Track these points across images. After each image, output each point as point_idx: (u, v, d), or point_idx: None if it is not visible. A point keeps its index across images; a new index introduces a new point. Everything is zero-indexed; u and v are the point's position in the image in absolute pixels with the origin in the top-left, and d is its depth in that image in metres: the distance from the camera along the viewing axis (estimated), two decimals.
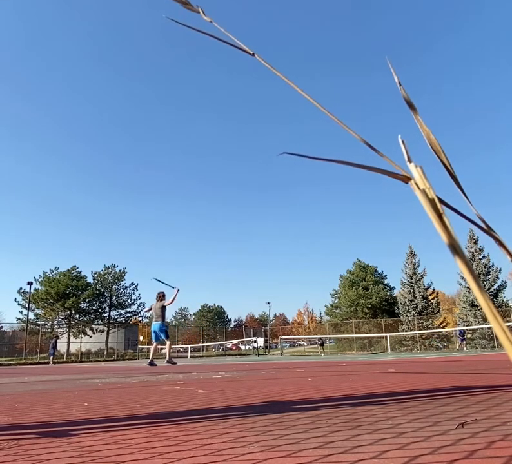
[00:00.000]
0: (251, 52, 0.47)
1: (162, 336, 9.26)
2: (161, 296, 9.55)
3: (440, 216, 0.34)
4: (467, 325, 29.57)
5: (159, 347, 9.39)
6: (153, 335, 9.40)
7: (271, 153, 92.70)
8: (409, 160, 0.38)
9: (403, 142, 0.39)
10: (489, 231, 0.39)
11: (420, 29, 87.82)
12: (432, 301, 34.57)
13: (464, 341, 26.31)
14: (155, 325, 9.37)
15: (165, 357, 9.68)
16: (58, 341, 26.83)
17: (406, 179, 0.37)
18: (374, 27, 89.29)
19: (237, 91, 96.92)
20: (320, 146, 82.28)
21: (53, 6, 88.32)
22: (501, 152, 78.19)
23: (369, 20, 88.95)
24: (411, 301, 33.98)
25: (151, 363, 9.50)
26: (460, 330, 27.03)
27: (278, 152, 0.43)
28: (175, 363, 9.89)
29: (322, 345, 31.98)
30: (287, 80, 0.46)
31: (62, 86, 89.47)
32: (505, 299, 31.68)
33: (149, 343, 44.35)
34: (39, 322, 38.74)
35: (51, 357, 24.53)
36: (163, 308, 9.39)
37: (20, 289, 38.60)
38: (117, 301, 42.45)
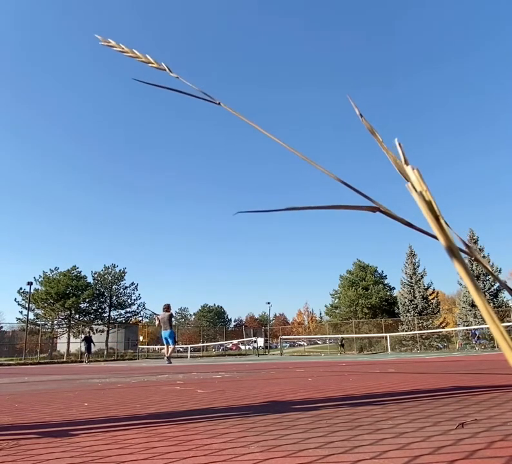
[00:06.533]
0: (217, 102, 0.47)
1: (171, 342, 11.40)
2: (166, 308, 11.56)
3: (436, 218, 0.34)
4: (467, 325, 29.54)
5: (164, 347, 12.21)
6: (164, 340, 11.52)
7: (271, 154, 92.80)
8: (406, 163, 0.38)
9: (400, 144, 0.39)
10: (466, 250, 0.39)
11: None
12: (432, 301, 34.57)
13: (478, 341, 25.82)
14: (165, 333, 11.39)
15: (164, 357, 12.01)
16: (58, 341, 26.09)
17: (374, 209, 0.38)
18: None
19: (240, 96, 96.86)
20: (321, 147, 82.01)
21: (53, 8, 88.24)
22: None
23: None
24: (411, 301, 33.97)
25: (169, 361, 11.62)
26: (472, 331, 26.29)
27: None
28: (170, 363, 11.80)
29: (342, 345, 32.31)
30: (255, 126, 0.46)
31: (61, 86, 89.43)
32: (505, 300, 31.69)
33: (149, 343, 44.61)
34: (39, 322, 38.72)
35: (86, 356, 23.19)
36: (170, 317, 11.53)
37: (20, 289, 38.62)
38: (117, 301, 42.45)
